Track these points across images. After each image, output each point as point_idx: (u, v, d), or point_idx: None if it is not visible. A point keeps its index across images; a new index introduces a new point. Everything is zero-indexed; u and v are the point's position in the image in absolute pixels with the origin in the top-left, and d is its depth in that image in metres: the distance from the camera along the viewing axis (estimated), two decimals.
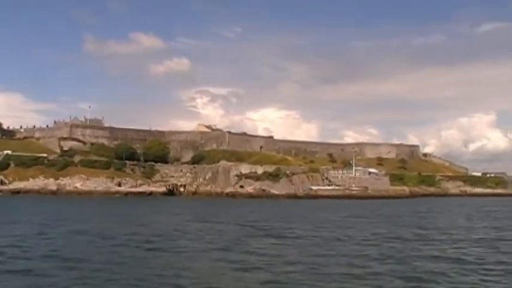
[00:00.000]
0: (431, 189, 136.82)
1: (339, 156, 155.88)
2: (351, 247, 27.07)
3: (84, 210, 59.79)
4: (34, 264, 20.81)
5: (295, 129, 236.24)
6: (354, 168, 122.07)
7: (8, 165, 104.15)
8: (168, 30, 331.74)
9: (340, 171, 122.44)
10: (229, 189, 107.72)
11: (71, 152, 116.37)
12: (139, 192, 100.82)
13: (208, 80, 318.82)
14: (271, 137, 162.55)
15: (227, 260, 22.28)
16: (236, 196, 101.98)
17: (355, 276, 18.70)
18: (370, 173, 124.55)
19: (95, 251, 24.75)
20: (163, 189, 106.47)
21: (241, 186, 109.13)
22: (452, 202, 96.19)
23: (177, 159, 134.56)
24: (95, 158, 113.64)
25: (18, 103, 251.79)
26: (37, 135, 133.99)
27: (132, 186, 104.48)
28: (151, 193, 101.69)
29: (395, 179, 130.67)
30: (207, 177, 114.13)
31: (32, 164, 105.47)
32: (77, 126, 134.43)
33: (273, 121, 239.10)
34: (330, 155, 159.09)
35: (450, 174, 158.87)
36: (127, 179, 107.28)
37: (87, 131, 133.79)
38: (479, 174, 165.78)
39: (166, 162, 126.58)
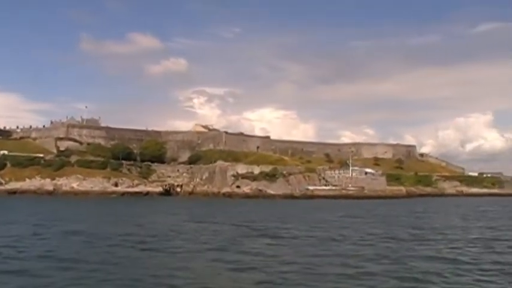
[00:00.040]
0: (428, 189, 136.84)
1: (336, 156, 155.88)
2: (346, 247, 27.09)
3: (81, 211, 59.70)
4: (29, 264, 20.80)
5: (292, 129, 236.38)
6: (350, 168, 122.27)
7: (5, 165, 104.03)
8: (165, 30, 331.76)
9: (336, 171, 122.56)
10: (225, 190, 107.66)
11: (67, 152, 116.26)
12: (136, 193, 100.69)
13: (205, 80, 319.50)
14: (267, 137, 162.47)
15: (222, 260, 22.27)
16: (233, 196, 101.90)
17: (349, 277, 18.73)
18: (366, 173, 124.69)
19: (91, 251, 24.72)
20: (160, 189, 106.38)
21: (238, 187, 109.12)
22: (448, 202, 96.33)
23: (174, 159, 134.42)
24: (92, 158, 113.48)
25: (14, 103, 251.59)
26: (33, 135, 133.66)
27: (128, 187, 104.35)
28: (147, 193, 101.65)
29: (392, 179, 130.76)
30: (204, 178, 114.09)
31: (28, 164, 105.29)
32: (73, 126, 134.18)
33: (270, 121, 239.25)
34: (327, 155, 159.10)
35: (447, 174, 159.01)
36: (123, 179, 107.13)
37: (84, 131, 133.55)
38: (475, 174, 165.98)
39: (163, 162, 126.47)
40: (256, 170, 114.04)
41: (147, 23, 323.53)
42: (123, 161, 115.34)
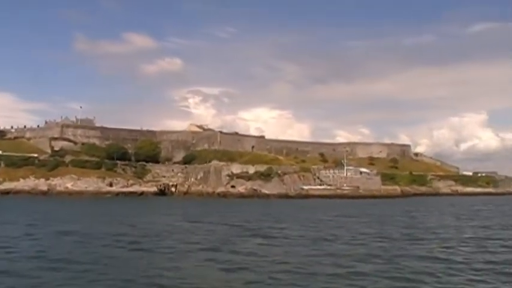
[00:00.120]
0: (423, 189, 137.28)
1: (331, 156, 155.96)
2: (338, 247, 27.09)
3: (75, 211, 59.43)
4: (20, 265, 20.68)
5: (287, 129, 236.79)
6: (345, 167, 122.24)
7: None
8: (161, 30, 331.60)
9: (331, 171, 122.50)
10: (220, 189, 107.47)
11: (61, 152, 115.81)
12: (131, 192, 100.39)
13: (201, 80, 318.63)
14: (262, 137, 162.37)
15: (213, 260, 22.23)
16: (227, 196, 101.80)
17: (341, 276, 18.71)
18: (361, 172, 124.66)
19: (83, 251, 24.61)
20: (154, 189, 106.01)
21: (233, 186, 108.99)
22: (443, 201, 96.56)
23: (169, 159, 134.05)
24: (86, 158, 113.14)
25: (8, 103, 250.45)
26: (28, 135, 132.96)
27: (123, 186, 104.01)
28: (142, 193, 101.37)
29: (387, 178, 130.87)
30: (199, 177, 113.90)
31: (22, 164, 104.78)
32: (68, 126, 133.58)
33: (266, 121, 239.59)
34: (322, 155, 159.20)
35: (441, 173, 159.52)
36: (118, 179, 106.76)
37: (78, 131, 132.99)
38: (470, 173, 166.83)
39: (157, 162, 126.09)
40: (251, 169, 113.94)
41: (142, 22, 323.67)
42: (118, 161, 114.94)
